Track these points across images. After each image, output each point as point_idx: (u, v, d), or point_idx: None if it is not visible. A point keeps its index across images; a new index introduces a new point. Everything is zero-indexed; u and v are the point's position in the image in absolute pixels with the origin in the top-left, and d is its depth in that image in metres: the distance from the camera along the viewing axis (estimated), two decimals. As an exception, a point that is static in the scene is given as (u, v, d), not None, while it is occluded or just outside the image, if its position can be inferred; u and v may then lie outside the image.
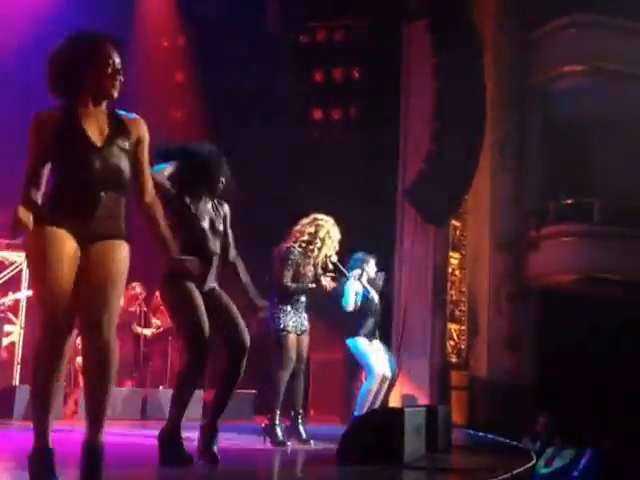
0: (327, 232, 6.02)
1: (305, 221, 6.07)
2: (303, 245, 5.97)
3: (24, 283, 9.16)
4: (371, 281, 7.03)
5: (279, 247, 6.03)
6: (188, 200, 4.41)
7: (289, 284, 5.86)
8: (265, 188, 11.04)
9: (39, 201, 3.10)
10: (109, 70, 3.19)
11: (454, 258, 12.26)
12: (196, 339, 4.15)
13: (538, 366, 12.28)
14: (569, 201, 12.85)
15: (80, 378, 8.97)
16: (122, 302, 3.28)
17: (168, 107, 12.71)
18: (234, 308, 4.36)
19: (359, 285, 6.87)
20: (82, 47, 3.19)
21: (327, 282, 6.01)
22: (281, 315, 5.85)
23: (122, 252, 3.20)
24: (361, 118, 12.96)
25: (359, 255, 7.01)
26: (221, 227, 4.51)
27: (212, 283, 4.38)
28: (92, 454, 3.04)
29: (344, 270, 6.42)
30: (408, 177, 11.82)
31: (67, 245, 3.10)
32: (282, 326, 5.82)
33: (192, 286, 4.23)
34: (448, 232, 12.19)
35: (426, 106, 11.58)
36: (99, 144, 3.15)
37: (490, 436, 8.01)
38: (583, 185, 13.09)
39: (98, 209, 3.14)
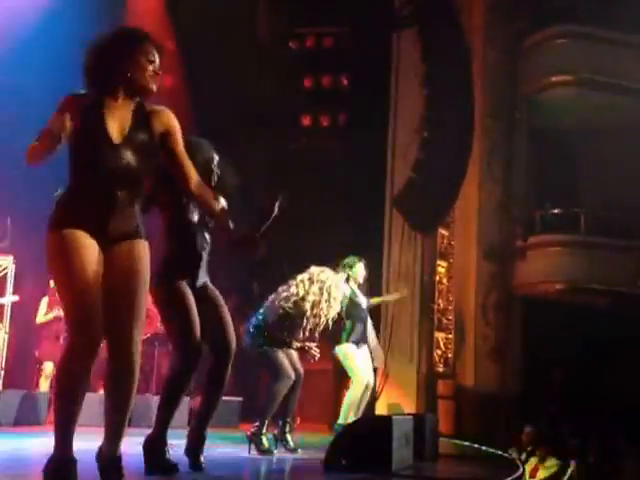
0: (329, 292, 5.90)
1: (312, 287, 5.90)
2: (309, 306, 5.83)
3: (9, 287, 9.04)
4: (360, 286, 6.98)
5: (287, 293, 5.87)
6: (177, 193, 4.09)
7: (277, 333, 5.78)
8: (250, 194, 10.97)
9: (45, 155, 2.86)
10: (151, 67, 3.16)
11: (442, 267, 12.25)
12: (187, 342, 4.00)
13: (524, 376, 12.27)
14: (556, 211, 12.87)
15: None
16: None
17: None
18: (225, 308, 4.22)
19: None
20: (125, 41, 3.15)
21: (314, 352, 5.98)
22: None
23: (143, 251, 3.12)
24: (349, 125, 12.97)
25: (347, 260, 6.95)
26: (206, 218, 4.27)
27: (203, 278, 4.24)
28: (113, 465, 3.02)
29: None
30: (396, 185, 11.80)
31: (90, 246, 3.00)
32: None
33: (184, 285, 4.09)
34: (436, 241, 12.19)
35: (414, 114, 11.58)
36: (117, 141, 3.06)
37: (477, 446, 7.98)
38: (570, 195, 13.14)
39: (115, 209, 3.05)
